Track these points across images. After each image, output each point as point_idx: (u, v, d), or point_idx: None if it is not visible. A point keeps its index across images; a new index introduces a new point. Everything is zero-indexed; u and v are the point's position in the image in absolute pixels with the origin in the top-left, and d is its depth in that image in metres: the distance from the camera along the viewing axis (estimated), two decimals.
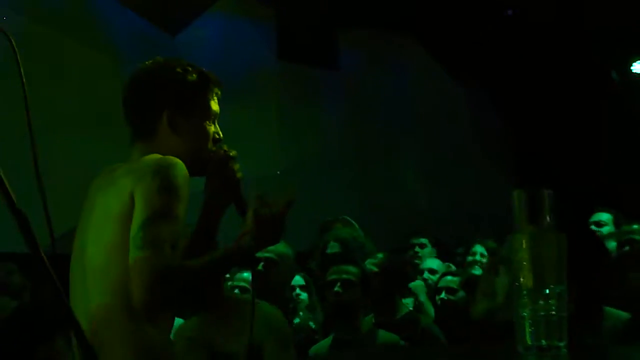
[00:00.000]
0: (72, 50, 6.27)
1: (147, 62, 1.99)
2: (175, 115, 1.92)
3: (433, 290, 4.26)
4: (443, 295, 4.13)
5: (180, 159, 1.82)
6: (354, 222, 4.53)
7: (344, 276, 3.35)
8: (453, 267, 4.77)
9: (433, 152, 8.51)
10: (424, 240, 5.37)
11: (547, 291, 1.38)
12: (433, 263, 4.76)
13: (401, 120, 8.52)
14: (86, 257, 1.87)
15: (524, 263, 1.38)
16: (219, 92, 2.02)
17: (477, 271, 4.28)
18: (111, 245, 1.79)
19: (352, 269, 3.38)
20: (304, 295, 3.99)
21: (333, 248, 4.08)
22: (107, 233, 1.82)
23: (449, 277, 4.23)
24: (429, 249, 5.32)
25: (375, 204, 7.83)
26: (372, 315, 3.63)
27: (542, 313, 1.37)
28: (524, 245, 1.38)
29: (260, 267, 3.60)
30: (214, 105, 2.00)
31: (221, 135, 2.02)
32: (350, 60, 8.37)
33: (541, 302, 1.37)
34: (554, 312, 1.37)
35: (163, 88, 1.93)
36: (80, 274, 1.89)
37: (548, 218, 1.40)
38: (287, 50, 7.76)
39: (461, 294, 4.08)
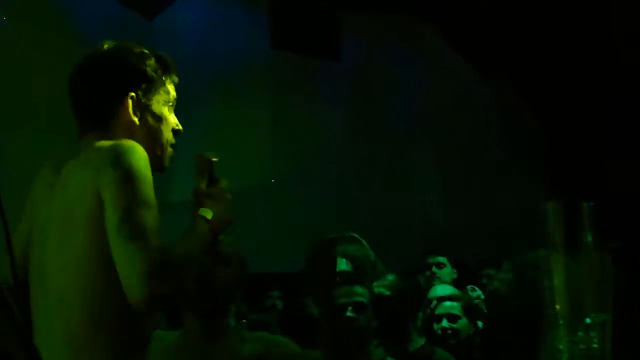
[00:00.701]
0: (37, 38, 6.29)
1: (98, 47, 2.08)
2: (137, 100, 2.00)
3: (428, 317, 4.24)
4: (444, 323, 4.13)
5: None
6: (361, 239, 4.53)
7: (356, 299, 3.38)
8: (479, 292, 4.74)
9: (451, 157, 8.51)
10: (442, 259, 5.34)
11: (588, 321, 1.37)
12: (444, 290, 4.64)
13: (413, 120, 8.52)
14: (48, 273, 1.90)
15: (560, 287, 1.37)
16: (176, 79, 2.11)
17: None
18: (82, 254, 1.84)
19: (361, 289, 3.41)
20: None
21: (341, 265, 4.09)
22: (74, 240, 1.86)
23: (448, 303, 4.22)
24: (448, 270, 5.29)
25: (384, 216, 7.82)
26: (380, 346, 3.64)
27: (582, 346, 1.36)
28: (560, 267, 1.37)
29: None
30: (172, 91, 2.09)
31: (181, 128, 2.11)
32: (354, 50, 8.39)
33: (580, 333, 1.36)
34: (595, 346, 1.36)
35: (125, 70, 2.01)
36: (42, 295, 1.90)
37: (589, 235, 1.39)
38: (282, 38, 7.78)
39: (463, 321, 4.09)
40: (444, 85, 8.72)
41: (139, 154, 1.87)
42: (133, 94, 1.99)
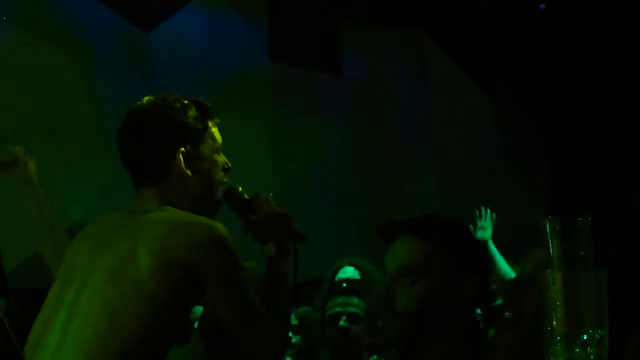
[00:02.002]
0: (34, 50, 6.31)
1: (136, 104, 2.17)
2: (187, 153, 2.12)
3: None
4: None
5: (196, 197, 2.12)
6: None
7: (351, 309, 3.42)
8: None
9: (453, 172, 8.52)
10: None
11: (585, 337, 1.38)
12: None
13: (415, 135, 8.53)
14: (81, 312, 1.96)
15: (557, 303, 1.38)
16: (219, 120, 2.25)
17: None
18: (134, 310, 1.92)
19: (357, 301, 3.45)
20: None
21: (349, 272, 4.13)
22: (130, 295, 1.93)
23: None
24: None
25: None
26: None
27: None
28: (557, 282, 1.38)
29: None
30: (218, 136, 2.24)
31: (230, 165, 2.27)
32: (354, 63, 8.40)
33: (578, 350, 1.37)
34: None
35: (171, 128, 2.12)
36: (60, 331, 1.93)
37: (585, 250, 1.40)
38: (281, 50, 7.79)
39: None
40: (445, 99, 8.73)
41: (231, 239, 2.05)
42: (183, 149, 2.10)
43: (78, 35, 6.62)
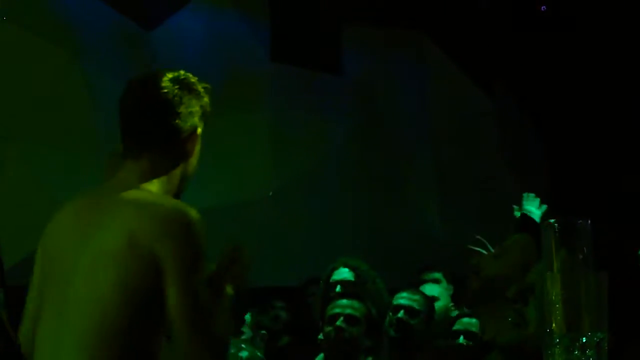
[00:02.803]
0: (35, 48, 6.31)
1: (160, 71, 2.18)
2: (198, 136, 2.17)
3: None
4: (461, 340, 4.15)
5: (181, 182, 2.13)
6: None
7: (348, 311, 3.45)
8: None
9: (452, 174, 8.51)
10: (437, 275, 5.36)
11: (584, 339, 1.37)
12: (433, 290, 4.68)
13: (415, 136, 8.53)
14: (70, 310, 1.95)
15: (557, 305, 1.38)
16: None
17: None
18: (110, 298, 1.93)
19: (356, 304, 3.48)
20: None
21: (343, 274, 4.15)
22: (106, 279, 1.93)
23: (466, 319, 4.24)
24: (444, 286, 5.31)
25: (383, 233, 7.82)
26: None
27: None
28: (556, 285, 1.38)
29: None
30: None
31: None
32: (355, 63, 8.40)
33: (577, 352, 1.37)
34: None
35: (201, 104, 2.16)
36: (55, 325, 1.93)
37: (585, 253, 1.40)
38: (282, 50, 7.79)
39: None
40: (445, 99, 8.73)
41: (201, 225, 1.99)
42: (199, 129, 2.15)
43: (79, 33, 6.62)
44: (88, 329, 1.90)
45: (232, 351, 3.21)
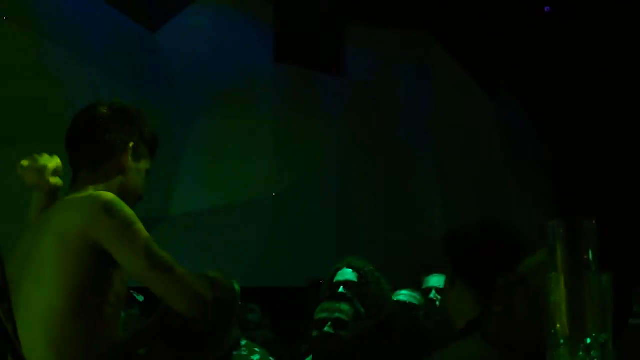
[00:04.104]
0: (40, 50, 6.30)
1: (101, 102, 2.40)
2: (133, 152, 2.32)
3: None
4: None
5: (125, 190, 2.28)
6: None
7: (337, 315, 3.41)
8: None
9: (454, 174, 8.51)
10: (438, 276, 5.34)
11: (589, 341, 1.36)
12: (440, 281, 4.66)
13: (417, 136, 8.53)
14: (21, 313, 2.00)
15: (561, 307, 1.37)
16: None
17: None
18: (52, 300, 2.08)
19: (346, 307, 3.44)
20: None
21: (347, 275, 4.14)
22: (46, 282, 2.09)
23: None
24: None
25: (385, 233, 7.82)
26: None
27: None
28: (560, 286, 1.37)
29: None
30: (149, 159, 2.41)
31: (142, 192, 2.40)
32: (358, 65, 8.40)
33: (581, 353, 1.36)
34: None
35: (135, 122, 2.34)
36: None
37: (590, 254, 1.39)
38: (285, 51, 7.79)
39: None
40: (448, 101, 8.73)
41: (118, 200, 2.15)
42: (132, 143, 2.30)
43: (83, 34, 6.62)
44: (38, 324, 2.06)
45: (245, 354, 3.20)
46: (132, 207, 2.30)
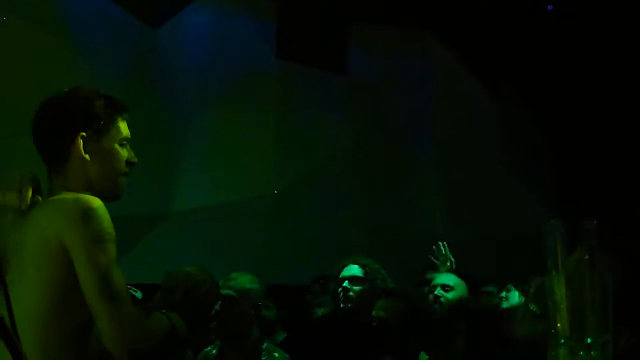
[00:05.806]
0: (40, 47, 6.29)
1: (54, 92, 2.33)
2: (88, 139, 2.24)
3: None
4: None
5: (94, 183, 2.23)
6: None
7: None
8: None
9: (456, 173, 8.50)
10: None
11: (589, 340, 1.36)
12: (449, 279, 4.67)
13: (419, 134, 8.52)
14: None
15: (561, 306, 1.36)
16: (127, 117, 2.34)
17: None
18: (36, 305, 2.06)
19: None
20: None
21: (352, 270, 4.22)
22: (29, 287, 2.07)
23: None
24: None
25: (387, 231, 7.81)
26: None
27: None
28: (561, 286, 1.37)
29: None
30: (124, 129, 2.33)
31: (136, 160, 2.33)
32: (361, 63, 8.39)
33: (581, 353, 1.36)
34: None
35: (74, 113, 2.26)
36: None
37: (591, 253, 1.39)
38: (287, 48, 7.78)
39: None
40: (450, 99, 8.71)
41: (104, 213, 2.10)
42: (83, 133, 2.23)
43: (85, 31, 6.61)
44: (23, 326, 2.01)
45: (264, 359, 3.27)
46: (120, 186, 2.28)
